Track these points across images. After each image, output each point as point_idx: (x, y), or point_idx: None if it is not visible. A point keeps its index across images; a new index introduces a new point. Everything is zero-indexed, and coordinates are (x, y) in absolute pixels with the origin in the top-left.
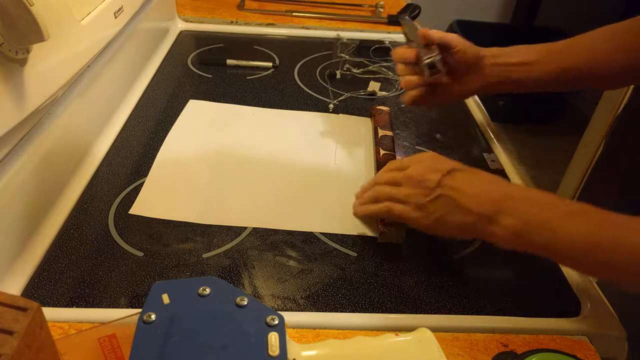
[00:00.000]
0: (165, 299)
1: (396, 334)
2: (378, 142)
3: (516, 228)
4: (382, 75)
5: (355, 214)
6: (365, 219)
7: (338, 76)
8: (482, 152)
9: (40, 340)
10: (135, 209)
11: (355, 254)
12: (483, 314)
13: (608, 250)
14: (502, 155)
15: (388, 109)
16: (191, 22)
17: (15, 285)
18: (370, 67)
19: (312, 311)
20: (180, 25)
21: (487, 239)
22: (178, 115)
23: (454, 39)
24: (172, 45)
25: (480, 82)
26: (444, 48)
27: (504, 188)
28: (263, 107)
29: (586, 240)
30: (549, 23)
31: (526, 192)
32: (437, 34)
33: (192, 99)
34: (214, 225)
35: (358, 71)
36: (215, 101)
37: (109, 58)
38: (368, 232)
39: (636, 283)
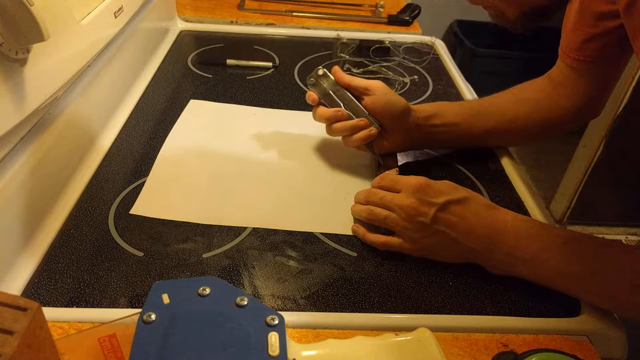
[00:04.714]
0: (165, 299)
1: (396, 334)
2: None
3: (505, 262)
4: (382, 75)
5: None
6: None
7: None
8: (482, 152)
9: (40, 340)
10: (136, 209)
11: (355, 254)
12: (483, 314)
13: (583, 280)
14: (502, 155)
15: None
16: (191, 22)
17: (15, 285)
18: (370, 67)
19: (312, 311)
20: (180, 25)
21: (480, 264)
22: (178, 115)
23: (376, 84)
24: (172, 45)
25: (406, 141)
26: (364, 92)
27: (494, 222)
28: (263, 107)
29: (564, 272)
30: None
31: (514, 225)
32: (357, 80)
33: (192, 99)
34: (214, 225)
35: (358, 71)
36: (215, 101)
37: (109, 58)
38: None
39: (609, 307)
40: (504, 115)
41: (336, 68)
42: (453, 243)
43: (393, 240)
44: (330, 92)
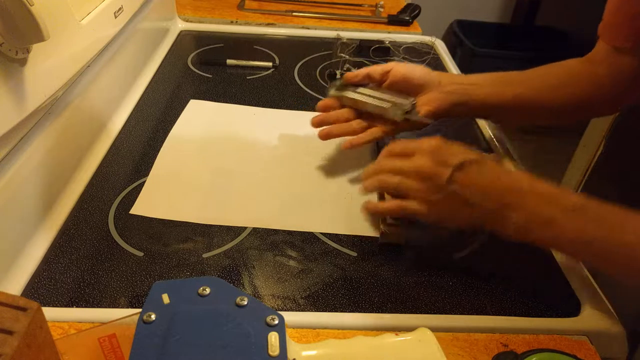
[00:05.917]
0: (165, 299)
1: (396, 334)
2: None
3: (521, 224)
4: None
5: (365, 204)
6: (367, 218)
7: (338, 76)
8: (483, 152)
9: (40, 340)
10: (136, 209)
11: (355, 254)
12: (483, 314)
13: (602, 247)
14: (502, 155)
15: None
16: (191, 22)
17: (15, 285)
18: None
19: (312, 311)
20: (180, 25)
21: (494, 230)
22: (178, 115)
23: (391, 64)
24: (172, 45)
25: (438, 101)
26: (385, 77)
27: (511, 182)
28: (263, 107)
29: (583, 237)
30: (549, 23)
31: (532, 185)
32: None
33: (192, 99)
34: (214, 225)
35: None
36: (215, 101)
37: (109, 58)
38: (368, 233)
39: (628, 277)
40: (532, 82)
41: (347, 74)
42: (468, 205)
43: (408, 203)
44: (353, 95)
